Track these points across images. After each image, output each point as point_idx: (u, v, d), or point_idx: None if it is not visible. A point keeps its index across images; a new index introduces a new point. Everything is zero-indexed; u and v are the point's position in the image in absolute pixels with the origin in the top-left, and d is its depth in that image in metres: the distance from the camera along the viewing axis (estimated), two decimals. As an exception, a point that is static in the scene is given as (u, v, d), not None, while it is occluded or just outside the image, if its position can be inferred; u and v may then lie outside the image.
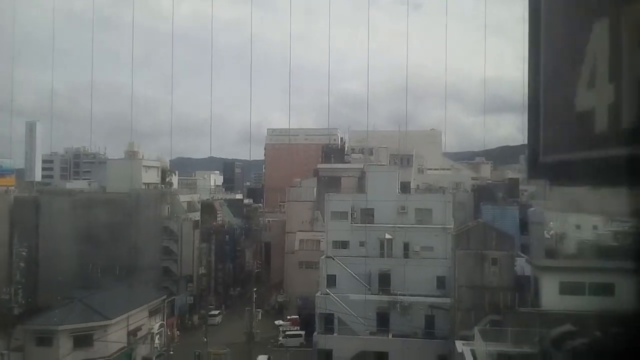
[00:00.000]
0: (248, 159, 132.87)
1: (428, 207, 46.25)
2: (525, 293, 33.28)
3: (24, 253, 51.84)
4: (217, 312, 60.67)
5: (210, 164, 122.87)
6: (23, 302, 49.32)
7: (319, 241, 58.57)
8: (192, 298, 59.05)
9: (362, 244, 45.33)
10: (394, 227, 45.18)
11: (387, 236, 45.11)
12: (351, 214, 46.27)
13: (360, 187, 52.85)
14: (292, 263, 61.68)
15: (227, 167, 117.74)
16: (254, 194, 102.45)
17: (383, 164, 60.31)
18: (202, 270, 62.49)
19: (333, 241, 46.05)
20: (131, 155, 63.70)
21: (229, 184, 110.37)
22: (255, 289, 51.59)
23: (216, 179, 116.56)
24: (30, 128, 65.07)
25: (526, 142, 2.57)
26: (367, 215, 45.84)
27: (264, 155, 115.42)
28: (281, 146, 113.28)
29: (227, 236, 67.70)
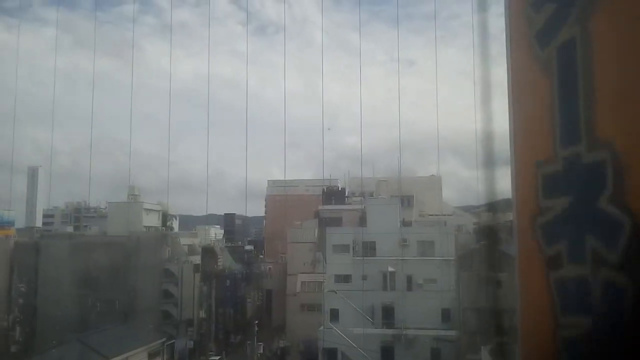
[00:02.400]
0: (247, 215, 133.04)
1: (430, 239, 46.04)
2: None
3: (23, 290, 51.15)
4: (217, 357, 59.20)
5: (209, 220, 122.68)
6: (21, 339, 48.33)
7: (321, 283, 57.79)
8: (192, 342, 57.76)
9: (364, 277, 44.79)
10: (396, 259, 44.78)
11: (390, 269, 44.65)
12: (353, 247, 45.99)
13: (362, 224, 52.66)
14: (293, 306, 60.63)
15: (228, 219, 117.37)
16: (255, 244, 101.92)
17: (383, 197, 60.25)
18: (203, 315, 61.40)
19: (335, 275, 45.57)
20: (132, 198, 63.90)
21: (229, 235, 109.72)
22: (256, 327, 50.58)
23: (216, 232, 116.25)
24: (33, 173, 65.64)
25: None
26: (369, 248, 45.55)
27: (265, 206, 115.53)
28: (281, 197, 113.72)
29: (228, 281, 66.90)
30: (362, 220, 55.69)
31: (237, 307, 69.20)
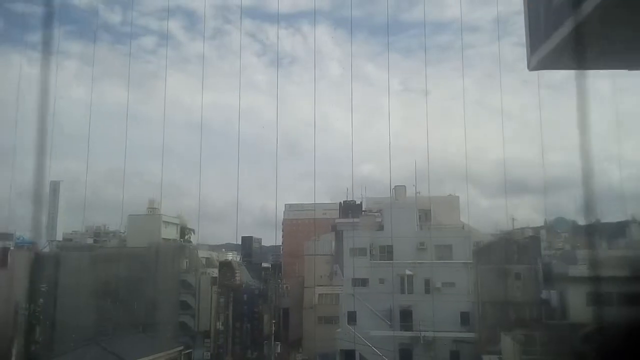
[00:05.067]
0: (265, 244, 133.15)
1: (448, 243, 45.83)
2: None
3: (43, 291, 51.56)
4: (234, 370, 58.78)
5: (226, 248, 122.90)
6: (39, 340, 48.55)
7: (338, 295, 57.47)
8: (209, 354, 57.46)
9: (381, 280, 44.60)
10: (414, 263, 44.59)
11: (408, 272, 44.43)
12: (370, 250, 45.90)
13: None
14: (310, 318, 60.23)
15: (245, 242, 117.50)
16: (272, 266, 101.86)
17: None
18: (220, 327, 61.09)
19: (352, 278, 45.38)
20: (151, 211, 64.58)
21: (247, 258, 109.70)
22: (273, 339, 50.22)
23: (234, 257, 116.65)
24: (55, 188, 67.08)
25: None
26: (386, 252, 45.43)
27: (282, 230, 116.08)
28: (298, 221, 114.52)
29: (245, 295, 66.58)
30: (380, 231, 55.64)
31: (254, 321, 68.67)
